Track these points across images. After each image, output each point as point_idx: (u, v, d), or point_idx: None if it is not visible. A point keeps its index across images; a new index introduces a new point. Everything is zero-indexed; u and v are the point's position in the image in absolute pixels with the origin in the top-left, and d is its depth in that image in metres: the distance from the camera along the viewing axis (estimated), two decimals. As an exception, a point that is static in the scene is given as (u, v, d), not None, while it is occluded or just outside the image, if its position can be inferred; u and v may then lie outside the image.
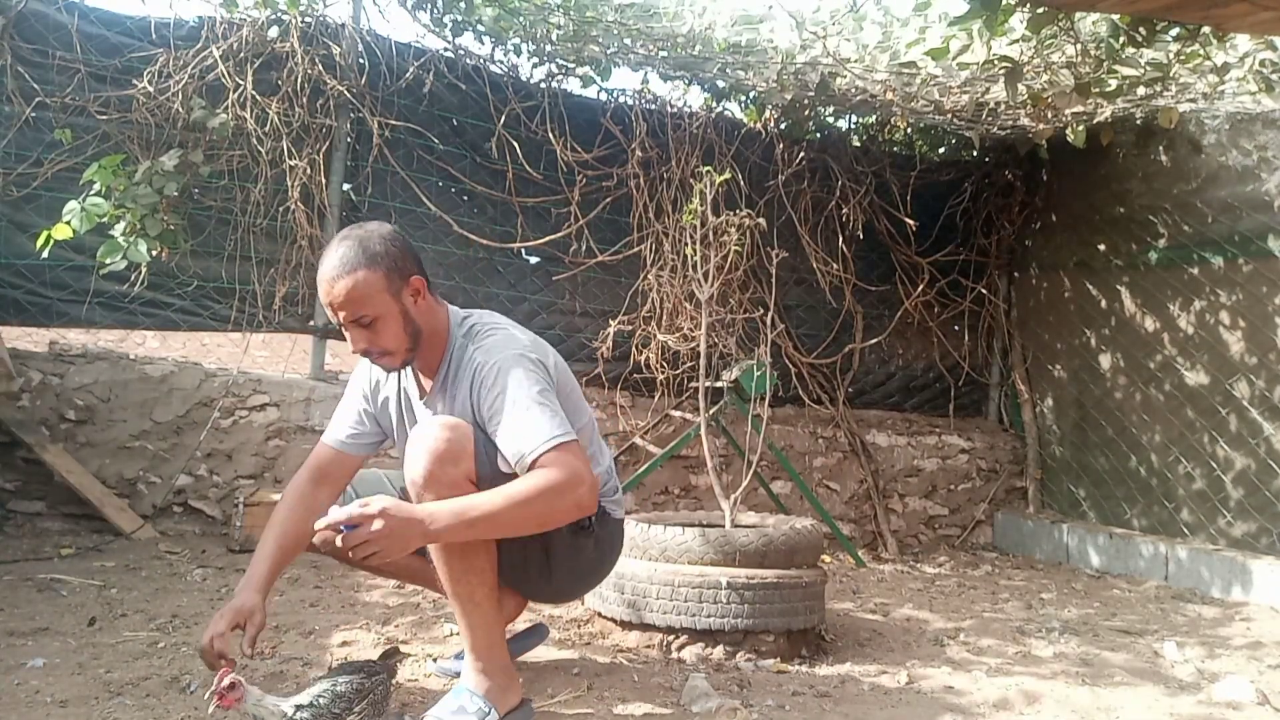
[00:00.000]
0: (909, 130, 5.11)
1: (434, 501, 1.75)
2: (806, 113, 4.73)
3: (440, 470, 1.81)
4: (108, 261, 3.44)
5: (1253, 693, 2.45)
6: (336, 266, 1.85)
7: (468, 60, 4.30)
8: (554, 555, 2.02)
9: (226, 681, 1.64)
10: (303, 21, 3.93)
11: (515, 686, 2.00)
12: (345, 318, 1.87)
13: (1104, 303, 4.86)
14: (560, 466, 1.76)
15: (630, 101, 4.56)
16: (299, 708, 1.70)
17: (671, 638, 2.59)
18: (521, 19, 4.14)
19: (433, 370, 2.00)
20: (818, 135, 5.05)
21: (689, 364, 4.30)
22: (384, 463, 3.50)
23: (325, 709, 1.70)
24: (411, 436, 1.88)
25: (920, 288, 5.05)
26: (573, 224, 4.41)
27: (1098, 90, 3.46)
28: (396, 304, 1.89)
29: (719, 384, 3.93)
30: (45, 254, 3.40)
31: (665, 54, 4.15)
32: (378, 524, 1.63)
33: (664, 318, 4.34)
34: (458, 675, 2.17)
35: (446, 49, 4.27)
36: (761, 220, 3.69)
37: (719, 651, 2.56)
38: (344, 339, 1.97)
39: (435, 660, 2.39)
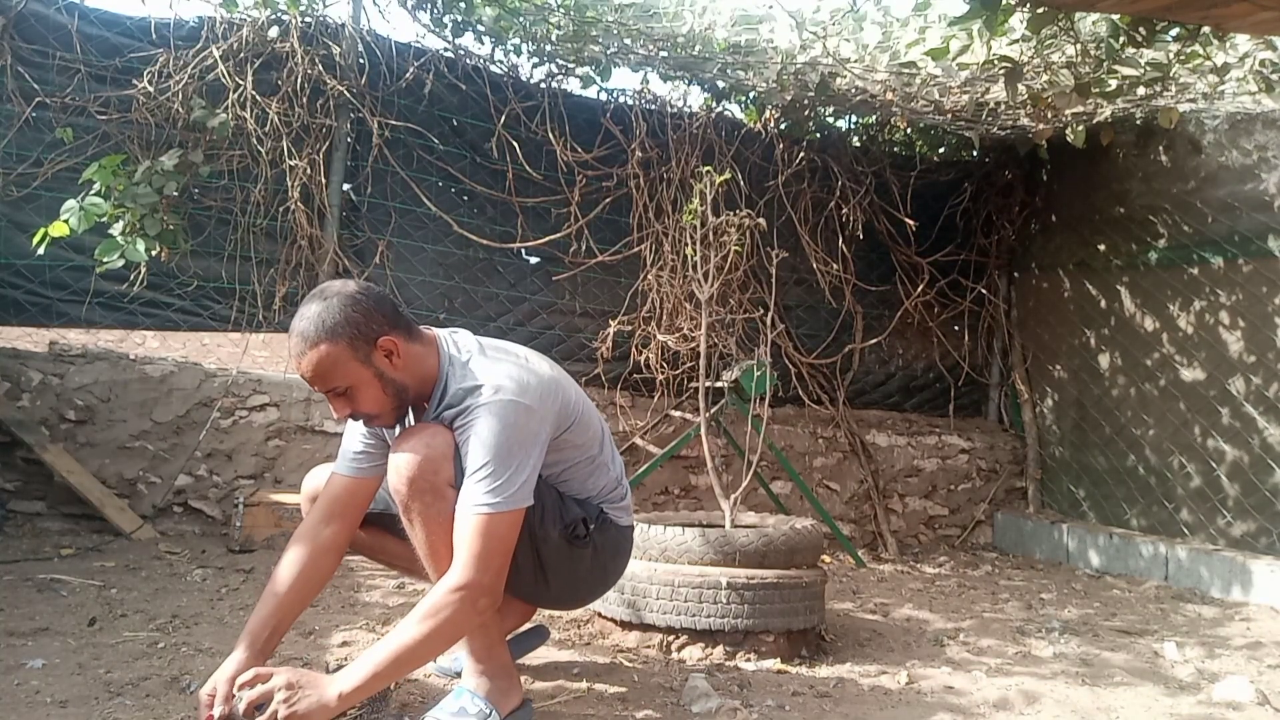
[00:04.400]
0: (909, 130, 5.11)
1: (343, 668, 1.74)
2: (806, 113, 4.73)
3: (421, 477, 1.81)
4: (105, 260, 3.43)
5: (1253, 693, 2.45)
6: (297, 343, 1.81)
7: (468, 60, 4.30)
8: (548, 565, 2.00)
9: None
10: (303, 21, 3.93)
11: (516, 687, 2.00)
12: (319, 389, 1.85)
13: (1104, 303, 4.86)
14: (468, 559, 1.75)
15: (630, 101, 4.57)
16: None
17: (671, 638, 2.59)
18: (521, 19, 4.14)
19: (426, 399, 1.96)
20: (818, 135, 5.05)
21: (689, 364, 4.30)
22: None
23: None
24: (394, 447, 1.87)
25: (920, 288, 5.05)
26: (573, 224, 4.41)
27: (1098, 90, 3.46)
28: (368, 370, 1.83)
29: (719, 384, 3.93)
30: (41, 251, 3.39)
31: (665, 54, 4.15)
32: (281, 694, 1.64)
33: (664, 318, 4.34)
34: (458, 675, 2.17)
35: (446, 49, 4.27)
36: (761, 220, 3.69)
37: (719, 652, 2.56)
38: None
39: (435, 660, 2.39)
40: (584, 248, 4.46)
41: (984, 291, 5.29)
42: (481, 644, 1.94)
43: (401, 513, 1.86)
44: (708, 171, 3.60)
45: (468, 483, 1.79)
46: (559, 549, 1.99)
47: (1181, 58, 3.29)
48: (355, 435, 2.05)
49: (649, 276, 4.41)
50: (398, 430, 2.01)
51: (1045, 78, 3.59)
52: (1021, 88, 3.58)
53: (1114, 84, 3.44)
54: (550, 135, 4.32)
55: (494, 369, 1.88)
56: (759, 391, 3.69)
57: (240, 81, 3.80)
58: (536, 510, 1.89)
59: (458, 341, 1.96)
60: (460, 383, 1.88)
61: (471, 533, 1.76)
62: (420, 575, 2.31)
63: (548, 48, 4.31)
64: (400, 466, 1.82)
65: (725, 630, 2.54)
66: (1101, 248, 4.87)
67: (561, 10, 4.05)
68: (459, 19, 4.24)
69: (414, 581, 3.12)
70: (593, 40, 4.12)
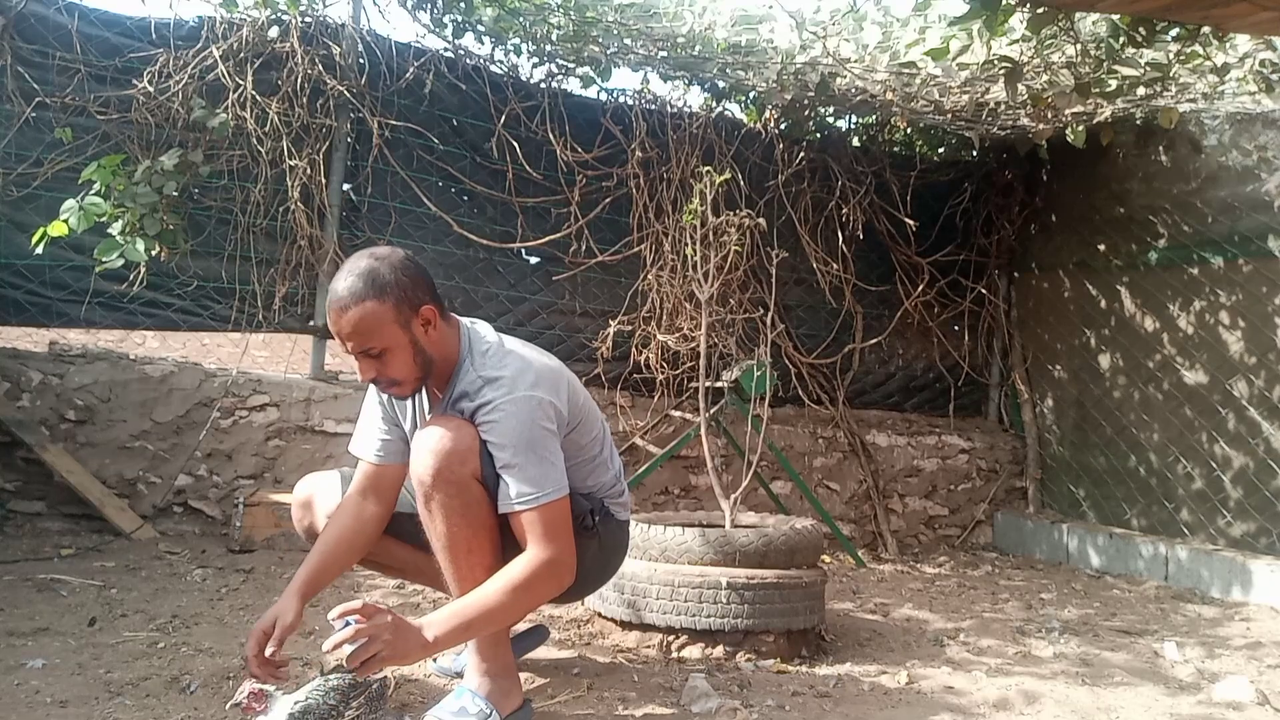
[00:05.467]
0: (909, 130, 5.11)
1: (432, 614, 1.78)
2: (806, 113, 4.73)
3: (446, 468, 1.83)
4: (105, 260, 3.43)
5: (1253, 693, 2.45)
6: (344, 297, 1.83)
7: (468, 60, 4.30)
8: None
9: (249, 690, 1.69)
10: (303, 21, 3.93)
11: (517, 688, 2.01)
12: (353, 348, 1.86)
13: (1104, 303, 4.86)
14: (544, 542, 1.82)
15: (630, 101, 4.56)
16: (295, 702, 1.71)
17: (671, 638, 2.59)
18: (521, 19, 4.14)
19: (442, 385, 2.00)
20: (818, 135, 5.04)
21: (689, 364, 4.30)
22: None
23: (319, 702, 1.72)
24: (418, 436, 1.89)
25: (920, 288, 5.05)
26: (573, 224, 4.41)
27: (1098, 90, 3.46)
28: (406, 335, 1.86)
29: (719, 384, 3.93)
30: (40, 251, 3.39)
31: (665, 54, 4.15)
32: (387, 634, 1.67)
33: (664, 318, 4.34)
34: (458, 675, 2.18)
35: (446, 49, 4.27)
36: (761, 220, 3.69)
37: (719, 651, 2.56)
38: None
39: (435, 660, 2.39)
40: (584, 248, 4.46)
41: (984, 291, 5.29)
42: (489, 642, 1.96)
43: (421, 502, 1.88)
44: (708, 171, 3.60)
45: (508, 479, 1.84)
46: None
47: (1181, 58, 3.28)
48: (374, 426, 2.09)
49: (649, 276, 4.40)
50: (408, 404, 2.06)
51: (1045, 78, 3.59)
52: (1021, 88, 3.58)
53: (1114, 84, 3.43)
54: (550, 135, 4.32)
55: (512, 362, 1.93)
56: (759, 391, 3.69)
57: (240, 81, 3.80)
58: None
59: (477, 331, 2.01)
60: (480, 371, 1.91)
61: (533, 523, 1.83)
62: (422, 580, 2.32)
63: (548, 48, 4.31)
64: (425, 456, 1.84)
65: (725, 630, 2.54)
66: (1101, 248, 4.87)
67: (561, 10, 4.05)
68: (459, 19, 4.24)
69: (413, 583, 3.11)
70: (593, 40, 4.11)
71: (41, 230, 3.36)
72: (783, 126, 4.82)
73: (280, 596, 1.92)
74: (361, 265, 1.85)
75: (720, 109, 4.81)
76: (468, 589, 1.86)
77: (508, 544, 1.92)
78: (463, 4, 4.14)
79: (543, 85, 4.42)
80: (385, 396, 2.09)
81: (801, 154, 4.77)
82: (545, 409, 1.88)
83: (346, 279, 1.84)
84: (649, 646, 2.60)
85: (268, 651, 1.82)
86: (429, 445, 1.84)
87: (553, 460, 1.87)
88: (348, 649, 1.64)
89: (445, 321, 1.94)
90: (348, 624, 1.66)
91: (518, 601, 1.82)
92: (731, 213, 3.59)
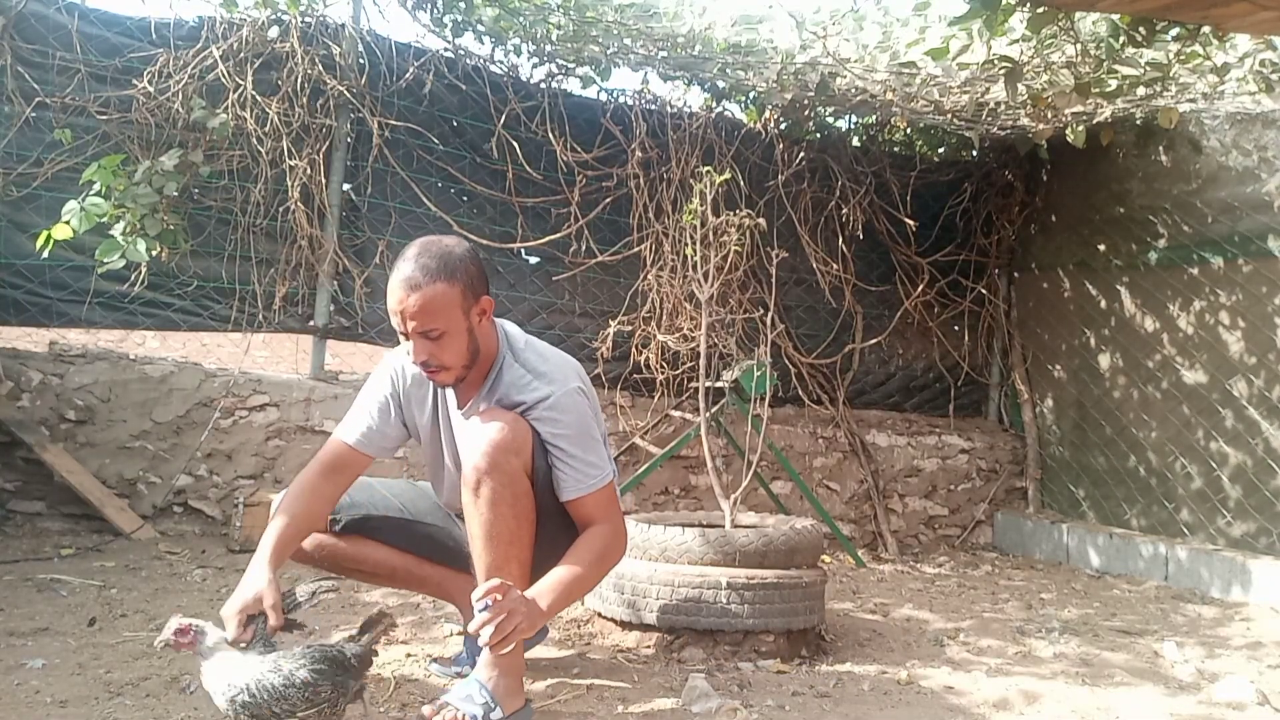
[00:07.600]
0: (909, 130, 5.11)
1: (539, 585, 1.87)
2: (806, 113, 4.73)
3: (503, 459, 1.88)
4: (106, 260, 3.43)
5: (1253, 693, 2.45)
6: (416, 276, 1.85)
7: (468, 60, 4.30)
8: (559, 551, 2.03)
9: (175, 626, 1.71)
10: (303, 21, 3.93)
11: (521, 688, 2.02)
12: (414, 328, 1.87)
13: (1104, 303, 4.86)
14: (611, 517, 2.00)
15: (630, 101, 4.56)
16: (239, 690, 1.64)
17: (671, 638, 2.58)
18: (521, 19, 4.14)
19: (476, 383, 2.02)
20: (818, 135, 5.04)
21: (689, 364, 4.30)
22: (385, 469, 3.51)
23: (265, 705, 1.63)
24: (473, 426, 1.94)
25: (920, 288, 5.05)
26: (573, 224, 4.41)
27: (1098, 90, 3.46)
28: (465, 322, 1.91)
29: (719, 384, 3.93)
30: (45, 254, 3.40)
31: (665, 54, 4.15)
32: (524, 607, 1.76)
33: (664, 318, 4.34)
34: (458, 675, 2.18)
35: (446, 49, 4.27)
36: (761, 220, 3.69)
37: (719, 651, 2.56)
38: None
39: (435, 660, 2.40)
40: (584, 248, 4.45)
41: (984, 291, 5.29)
42: None
43: (470, 490, 1.90)
44: (708, 171, 3.60)
45: (575, 466, 1.95)
46: (570, 537, 2.04)
47: (1181, 58, 3.29)
48: (365, 413, 2.11)
49: (649, 276, 4.40)
50: (428, 398, 2.10)
51: (1045, 78, 3.59)
52: (1021, 88, 3.58)
53: (1114, 84, 3.44)
54: (550, 135, 4.32)
55: (552, 358, 2.04)
56: (759, 391, 3.69)
57: (240, 81, 3.80)
58: None
59: (509, 332, 2.08)
60: (525, 366, 1.99)
61: (598, 502, 1.99)
62: (406, 584, 2.33)
63: (548, 48, 4.31)
64: (482, 445, 1.88)
65: (725, 630, 2.54)
66: (1101, 248, 4.87)
67: (561, 10, 4.05)
68: (459, 19, 4.23)
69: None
70: (593, 40, 4.11)
71: (46, 233, 3.35)
72: (783, 126, 4.82)
73: (249, 569, 1.85)
74: (435, 248, 1.89)
75: (720, 109, 4.81)
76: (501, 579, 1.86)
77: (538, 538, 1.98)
78: (463, 4, 4.14)
79: (543, 85, 4.42)
80: (400, 390, 2.12)
81: (801, 154, 4.77)
82: (590, 399, 2.04)
83: (421, 259, 1.87)
84: (649, 646, 2.60)
85: (273, 623, 1.77)
86: (486, 435, 1.88)
87: (602, 443, 2.03)
88: (489, 629, 1.71)
89: (492, 317, 2.02)
90: (485, 606, 1.73)
91: (600, 571, 1.99)
92: (731, 213, 3.60)
